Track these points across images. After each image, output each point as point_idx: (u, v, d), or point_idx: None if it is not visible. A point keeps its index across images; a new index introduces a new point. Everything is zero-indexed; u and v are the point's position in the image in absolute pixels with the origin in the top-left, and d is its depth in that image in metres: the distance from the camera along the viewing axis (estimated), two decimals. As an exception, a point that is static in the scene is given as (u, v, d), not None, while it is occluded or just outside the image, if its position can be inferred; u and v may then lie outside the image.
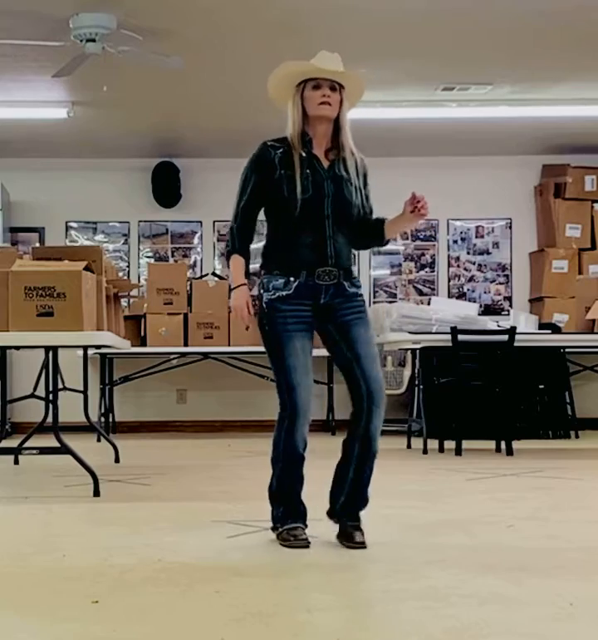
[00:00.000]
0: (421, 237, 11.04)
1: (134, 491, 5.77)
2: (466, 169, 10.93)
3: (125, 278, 9.93)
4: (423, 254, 11.08)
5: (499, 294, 11.12)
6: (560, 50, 7.70)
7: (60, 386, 6.16)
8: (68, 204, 10.87)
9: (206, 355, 10.21)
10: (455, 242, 11.11)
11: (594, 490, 5.80)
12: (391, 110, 9.20)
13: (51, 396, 5.83)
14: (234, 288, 4.00)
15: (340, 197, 3.96)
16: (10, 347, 6.39)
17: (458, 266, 11.12)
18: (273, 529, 3.98)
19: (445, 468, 6.77)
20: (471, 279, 11.12)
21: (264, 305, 3.93)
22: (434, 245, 11.08)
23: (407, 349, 8.93)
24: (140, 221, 11.01)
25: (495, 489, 5.78)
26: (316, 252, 3.93)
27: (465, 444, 7.70)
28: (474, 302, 10.55)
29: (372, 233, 4.10)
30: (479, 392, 8.37)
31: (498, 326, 8.46)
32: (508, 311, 10.29)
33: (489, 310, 10.85)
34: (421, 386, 8.59)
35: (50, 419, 5.66)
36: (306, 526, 3.94)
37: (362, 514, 3.95)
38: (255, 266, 3.99)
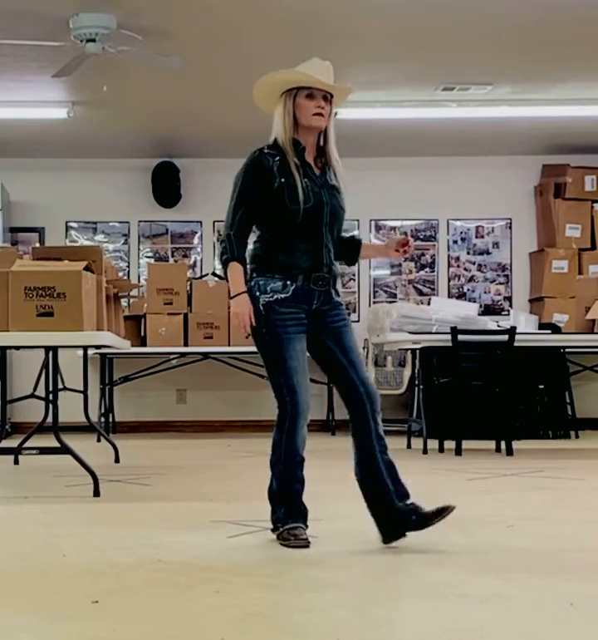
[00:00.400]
0: (421, 237, 11.04)
1: (134, 491, 5.77)
2: (466, 169, 10.93)
3: (125, 278, 9.93)
4: (423, 254, 11.08)
5: (499, 294, 11.12)
6: (560, 50, 7.70)
7: (60, 386, 6.16)
8: (68, 204, 10.87)
9: (206, 355, 10.21)
10: (455, 242, 11.11)
11: (594, 490, 5.80)
12: (391, 110, 9.20)
13: (51, 396, 5.83)
14: (235, 296, 3.95)
15: (334, 205, 4.02)
16: (10, 347, 6.39)
17: (458, 266, 11.12)
18: (274, 530, 3.97)
19: (445, 468, 6.77)
20: (471, 279, 11.12)
21: (261, 307, 3.94)
22: (434, 245, 11.08)
23: (407, 349, 8.93)
24: (140, 221, 11.01)
25: (495, 489, 5.78)
26: (313, 258, 3.97)
27: (465, 444, 7.70)
28: (474, 302, 10.55)
29: (346, 248, 4.18)
30: (479, 392, 8.37)
31: (498, 326, 8.45)
32: (508, 311, 10.29)
33: (489, 310, 10.86)
34: (421, 386, 8.59)
35: (50, 419, 5.66)
36: (307, 526, 3.94)
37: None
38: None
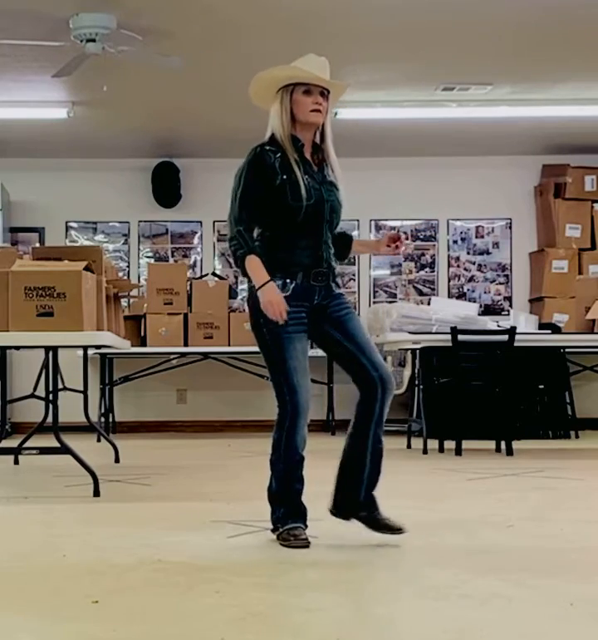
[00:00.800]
0: (421, 237, 11.04)
1: (134, 491, 5.77)
2: (466, 169, 10.93)
3: (125, 278, 9.93)
4: (423, 254, 11.08)
5: (499, 294, 11.12)
6: (560, 50, 7.70)
7: (60, 386, 6.16)
8: (68, 204, 10.87)
9: (206, 355, 10.21)
10: (455, 242, 11.11)
11: (594, 490, 5.79)
12: (391, 110, 9.20)
13: (51, 396, 5.83)
14: (262, 286, 3.86)
15: (334, 202, 4.02)
16: (10, 347, 6.38)
17: (458, 266, 11.12)
18: (274, 530, 3.97)
19: (445, 468, 6.77)
20: (471, 279, 11.12)
21: (262, 305, 3.93)
22: (434, 245, 11.08)
23: (407, 349, 8.93)
24: (140, 221, 11.01)
25: (495, 489, 5.77)
26: (313, 255, 3.97)
27: (465, 444, 7.70)
28: (474, 302, 10.55)
29: (337, 243, 4.15)
30: (479, 392, 8.37)
31: (498, 326, 8.45)
32: (508, 311, 10.29)
33: (489, 310, 10.86)
34: (421, 386, 8.59)
35: (50, 419, 5.66)
36: (307, 526, 3.94)
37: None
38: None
